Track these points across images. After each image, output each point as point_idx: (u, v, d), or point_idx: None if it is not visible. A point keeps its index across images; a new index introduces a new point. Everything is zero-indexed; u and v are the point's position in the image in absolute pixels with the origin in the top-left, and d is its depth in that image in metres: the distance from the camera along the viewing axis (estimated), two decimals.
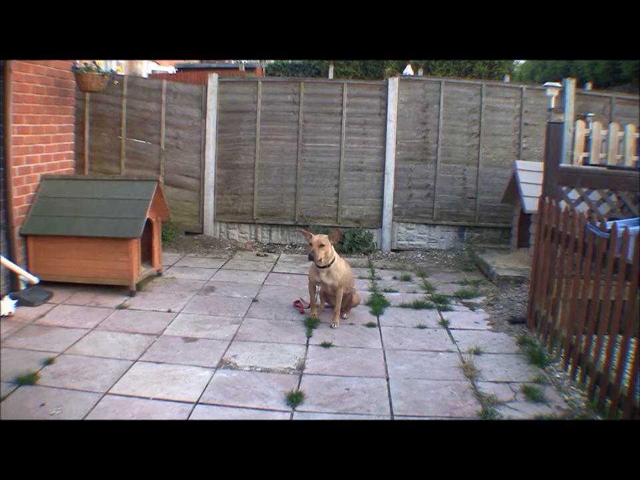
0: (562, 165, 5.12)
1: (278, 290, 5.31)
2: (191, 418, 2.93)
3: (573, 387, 3.39)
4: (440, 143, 6.97)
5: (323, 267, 4.38)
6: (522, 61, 17.22)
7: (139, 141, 7.06)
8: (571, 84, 6.58)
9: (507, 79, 10.67)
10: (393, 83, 6.89)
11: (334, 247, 4.48)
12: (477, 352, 3.90)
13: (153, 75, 12.12)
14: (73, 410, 2.94)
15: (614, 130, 6.16)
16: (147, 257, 5.40)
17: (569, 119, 6.34)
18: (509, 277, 5.47)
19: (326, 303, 4.73)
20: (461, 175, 7.01)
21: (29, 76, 4.90)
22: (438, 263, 6.60)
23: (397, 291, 5.37)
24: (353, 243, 6.90)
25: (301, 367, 3.62)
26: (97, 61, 5.40)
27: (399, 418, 3.00)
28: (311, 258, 4.36)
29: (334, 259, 4.41)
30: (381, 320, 4.57)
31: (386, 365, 3.70)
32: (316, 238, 4.35)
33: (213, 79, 7.00)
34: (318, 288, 4.66)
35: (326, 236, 4.40)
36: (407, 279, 5.83)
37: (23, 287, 4.77)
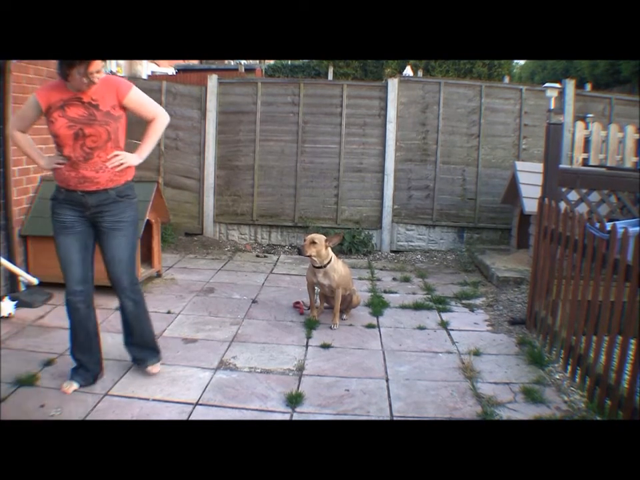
0: (561, 166, 5.12)
1: (277, 291, 5.31)
2: (190, 419, 2.92)
3: (572, 388, 3.39)
4: (439, 144, 6.97)
5: (319, 267, 4.38)
6: (522, 62, 17.24)
7: (139, 142, 7.03)
8: (570, 85, 6.59)
9: (507, 79, 10.67)
10: (393, 84, 6.89)
11: (333, 249, 4.48)
12: (477, 353, 3.89)
13: (153, 76, 12.11)
14: (73, 411, 2.93)
15: (613, 131, 6.18)
16: (147, 258, 5.39)
17: (568, 120, 6.35)
18: (509, 278, 5.47)
19: (326, 304, 4.73)
20: (460, 176, 7.01)
21: (29, 77, 4.89)
22: (437, 264, 6.60)
23: (396, 292, 5.36)
24: (352, 244, 6.89)
25: (301, 368, 3.61)
26: None
27: (399, 419, 3.00)
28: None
29: (330, 260, 4.40)
30: (380, 321, 4.57)
31: (385, 366, 3.69)
32: (310, 236, 4.36)
33: (212, 80, 7.00)
34: (318, 289, 4.66)
35: (323, 236, 4.39)
36: (406, 280, 5.83)
37: (22, 288, 4.76)
